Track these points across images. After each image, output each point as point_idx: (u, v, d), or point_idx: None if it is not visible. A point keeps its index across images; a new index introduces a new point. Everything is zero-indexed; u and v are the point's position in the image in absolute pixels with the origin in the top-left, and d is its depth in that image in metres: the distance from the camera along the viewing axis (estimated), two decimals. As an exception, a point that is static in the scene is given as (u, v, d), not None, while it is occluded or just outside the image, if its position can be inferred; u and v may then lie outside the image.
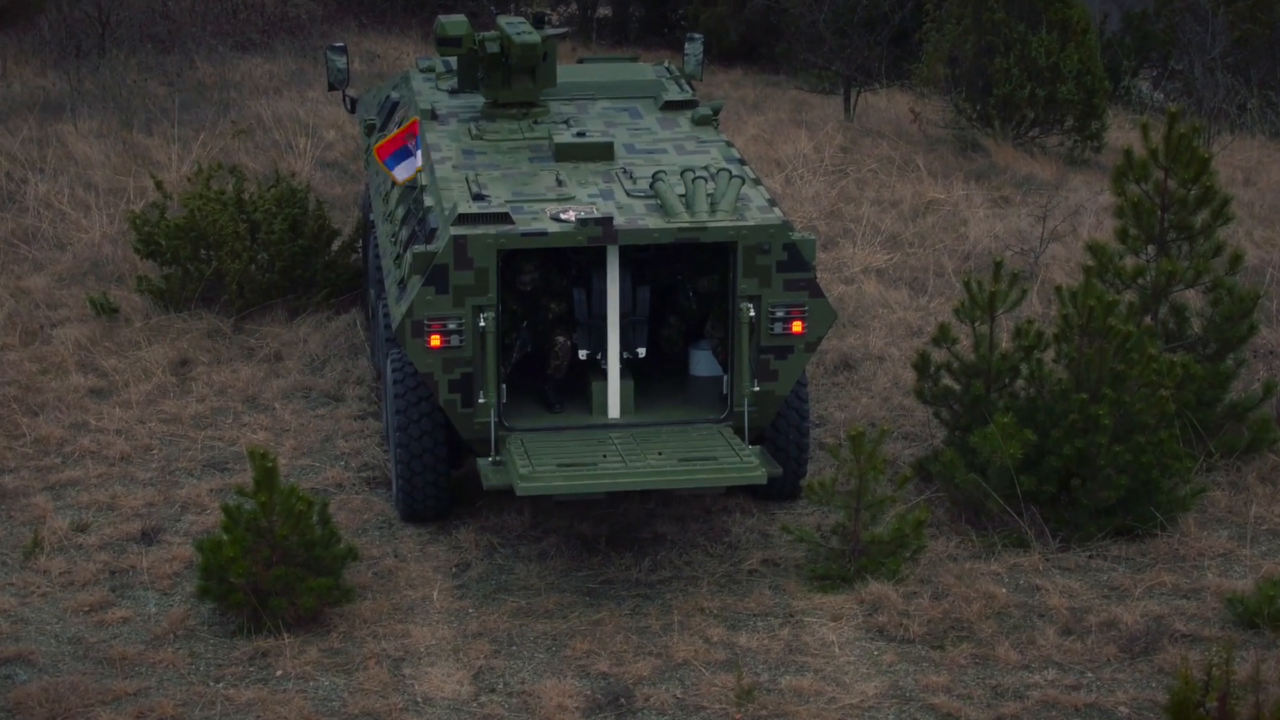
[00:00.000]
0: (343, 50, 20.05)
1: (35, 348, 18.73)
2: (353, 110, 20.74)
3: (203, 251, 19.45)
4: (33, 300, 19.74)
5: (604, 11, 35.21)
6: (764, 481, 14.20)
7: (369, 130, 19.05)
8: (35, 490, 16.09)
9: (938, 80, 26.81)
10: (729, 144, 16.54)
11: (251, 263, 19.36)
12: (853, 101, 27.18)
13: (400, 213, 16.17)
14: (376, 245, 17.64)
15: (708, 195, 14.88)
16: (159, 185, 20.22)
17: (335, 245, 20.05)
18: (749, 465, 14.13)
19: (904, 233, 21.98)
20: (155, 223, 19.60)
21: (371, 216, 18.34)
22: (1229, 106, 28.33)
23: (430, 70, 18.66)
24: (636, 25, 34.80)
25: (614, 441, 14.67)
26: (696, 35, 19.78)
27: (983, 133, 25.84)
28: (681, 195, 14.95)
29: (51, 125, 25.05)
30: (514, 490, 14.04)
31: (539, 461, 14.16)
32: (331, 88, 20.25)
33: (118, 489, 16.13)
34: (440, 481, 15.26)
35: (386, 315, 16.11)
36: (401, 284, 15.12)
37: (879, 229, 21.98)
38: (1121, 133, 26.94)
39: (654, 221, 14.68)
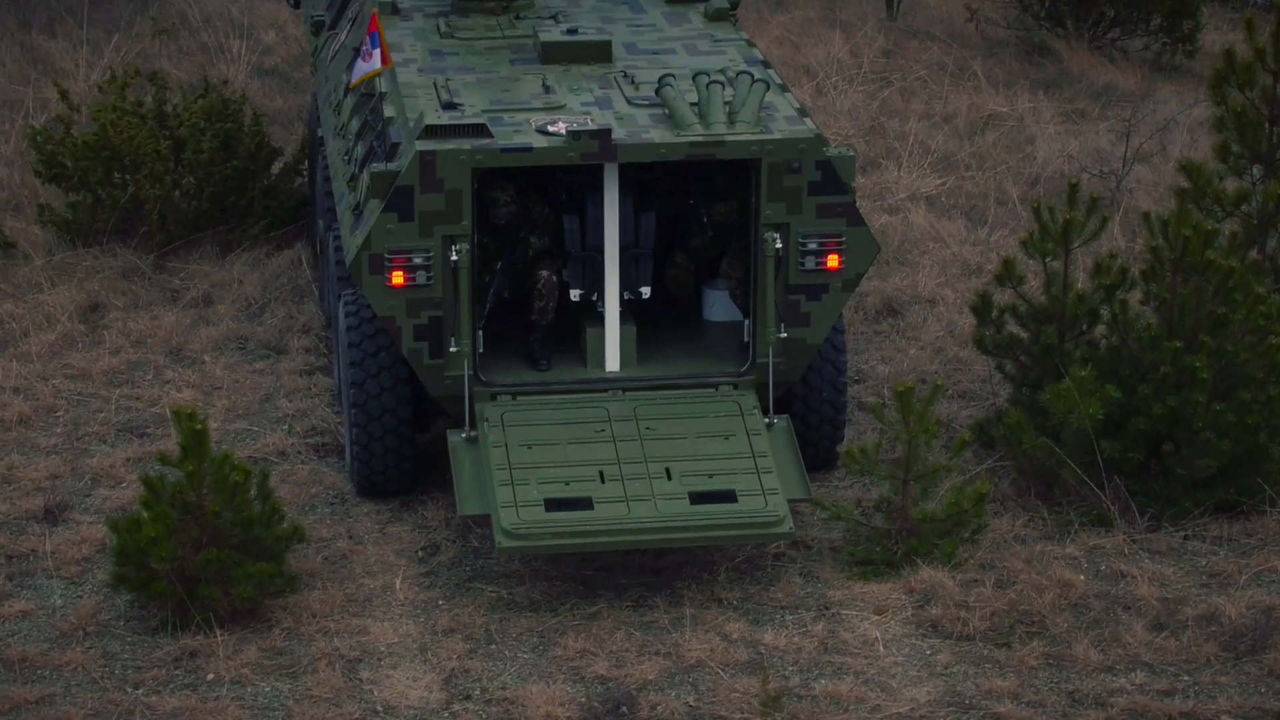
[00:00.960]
0: None
1: (-90, 291, 18.89)
2: (296, 5, 21.08)
3: (117, 175, 19.58)
4: None
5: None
6: (791, 535, 14.35)
7: (316, 29, 19.20)
8: None
9: None
10: (749, 43, 16.63)
11: (176, 188, 19.48)
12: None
13: (355, 125, 16.26)
14: (326, 166, 17.75)
15: (725, 103, 14.95)
16: (64, 96, 20.31)
17: (276, 168, 20.21)
18: (772, 517, 14.25)
19: (959, 153, 22.17)
20: (60, 140, 19.73)
21: (321, 132, 18.48)
22: None
23: None
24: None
25: (613, 435, 14.78)
26: None
27: (1053, 34, 26.10)
28: (693, 104, 15.02)
29: None
30: (494, 542, 14.23)
31: (524, 494, 14.26)
32: None
33: (15, 458, 16.27)
34: (403, 449, 15.37)
35: (339, 249, 16.20)
36: (357, 210, 15.24)
37: (929, 148, 22.15)
38: (1219, 34, 27.05)
39: (660, 135, 14.77)
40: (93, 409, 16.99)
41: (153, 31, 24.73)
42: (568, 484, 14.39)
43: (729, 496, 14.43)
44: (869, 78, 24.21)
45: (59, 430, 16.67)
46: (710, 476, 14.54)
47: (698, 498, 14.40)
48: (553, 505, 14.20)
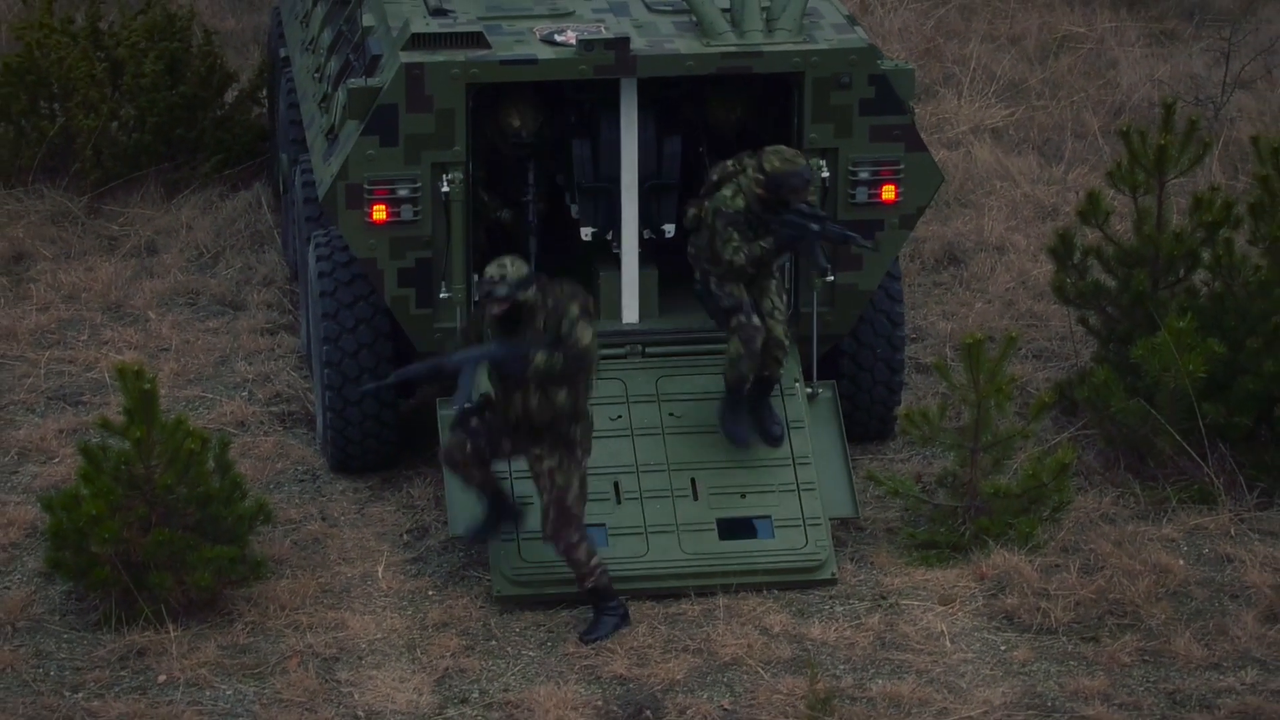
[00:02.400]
0: None
1: None
2: None
3: (44, 104, 20.10)
4: None
5: None
6: (834, 581, 14.76)
7: None
8: None
9: None
10: None
11: (113, 119, 19.97)
12: None
13: (327, 38, 16.71)
14: (291, 91, 18.19)
15: (762, 9, 15.34)
16: None
17: (230, 96, 20.71)
18: (813, 561, 14.75)
19: (1029, 79, 22.76)
20: None
21: (284, 52, 18.95)
22: None
23: None
24: None
25: (631, 426, 15.18)
26: None
27: None
28: (724, 9, 15.39)
29: None
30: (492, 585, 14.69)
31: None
32: None
33: None
34: (384, 415, 15.74)
35: (308, 184, 16.62)
36: (331, 135, 15.64)
37: (994, 75, 22.75)
38: None
39: (687, 45, 15.17)
40: (18, 374, 17.37)
41: None
42: None
43: (764, 528, 14.96)
44: None
45: None
46: (742, 496, 15.04)
47: (727, 529, 14.90)
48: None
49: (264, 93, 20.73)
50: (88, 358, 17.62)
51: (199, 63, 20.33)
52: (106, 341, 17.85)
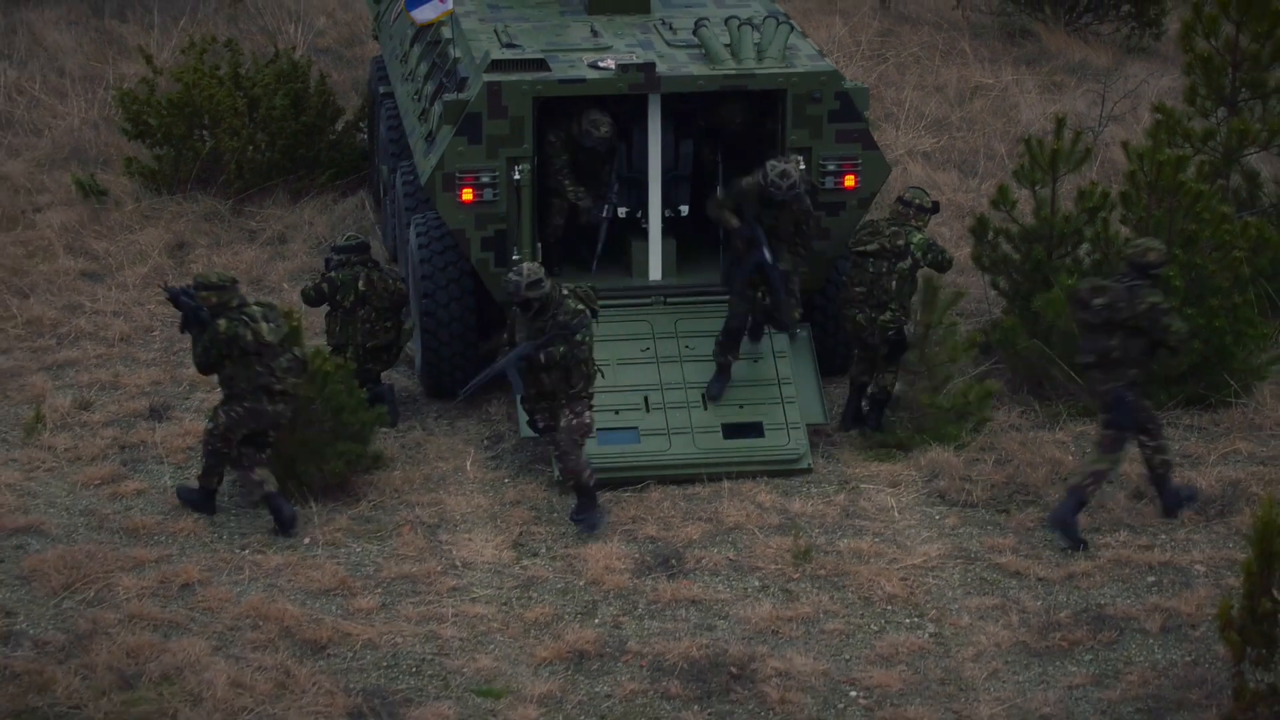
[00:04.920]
0: None
1: (18, 232, 19.74)
2: None
3: (198, 131, 20.42)
4: (11, 185, 20.74)
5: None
6: (809, 470, 15.18)
7: None
8: (31, 370, 17.16)
9: None
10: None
11: (250, 143, 20.31)
12: None
13: (423, 69, 17.16)
14: (389, 119, 18.65)
15: (754, 43, 15.85)
16: (149, 60, 21.15)
17: (339, 124, 21.05)
18: (793, 454, 15.18)
19: (950, 117, 22.98)
20: (145, 101, 20.56)
21: (382, 89, 19.38)
22: None
23: None
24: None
25: (656, 355, 15.61)
26: None
27: (1032, 18, 26.84)
28: (725, 44, 15.91)
29: (16, 12, 25.92)
30: (552, 471, 15.05)
31: None
32: None
33: (120, 368, 17.16)
34: (468, 353, 16.18)
35: (407, 182, 17.11)
36: (429, 138, 16.07)
37: (923, 113, 22.96)
38: (1182, 19, 27.62)
39: (698, 68, 15.66)
40: None
41: (228, 2, 25.65)
42: (617, 412, 15.32)
43: (757, 430, 15.35)
44: (867, 55, 24.97)
45: (156, 347, 17.63)
46: (741, 407, 15.45)
47: (730, 431, 15.32)
48: (605, 437, 15.09)
49: (364, 123, 20.99)
50: None
51: (316, 99, 20.67)
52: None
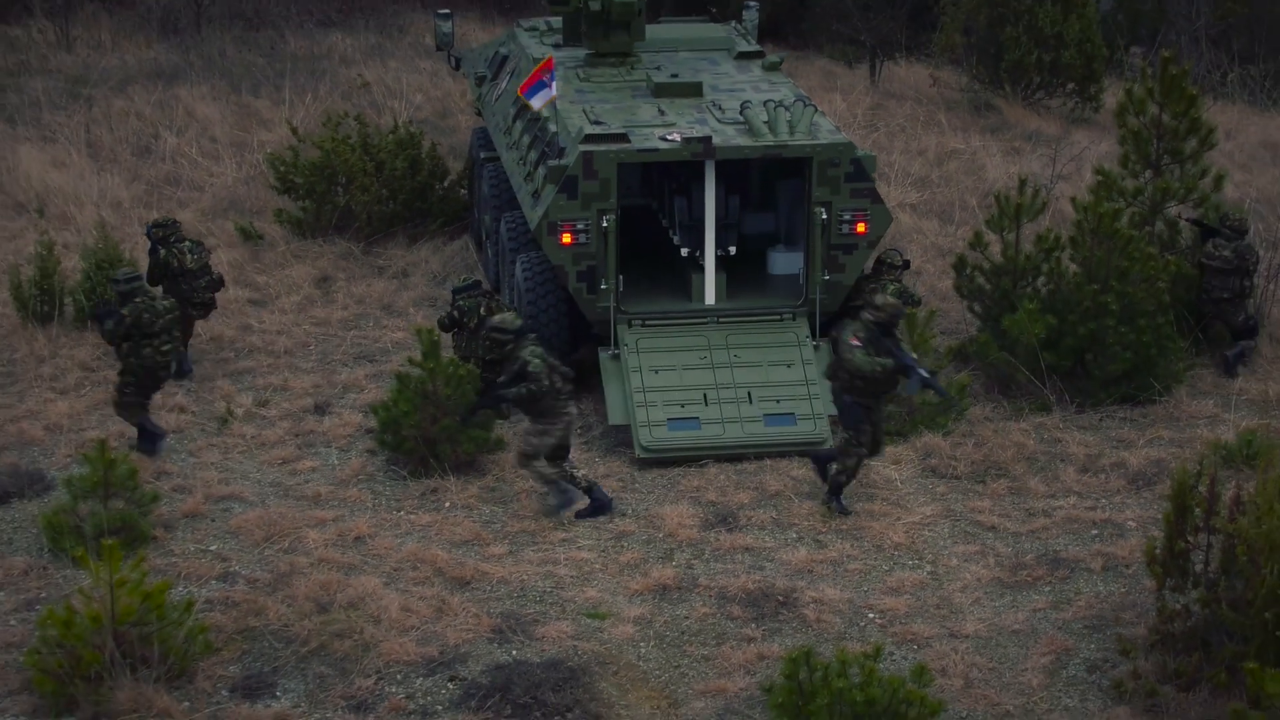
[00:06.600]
0: (448, 15, 22.62)
1: (195, 268, 21.28)
2: (457, 67, 23.06)
3: (335, 188, 21.78)
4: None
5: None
6: (832, 450, 15.89)
7: (479, 81, 21.46)
8: (217, 377, 18.69)
9: (955, 48, 29.07)
10: (794, 85, 19.04)
11: (377, 197, 21.63)
12: (878, 70, 29.28)
13: (526, 140, 18.49)
14: (487, 179, 19.88)
15: (786, 121, 17.32)
16: (294, 131, 22.66)
17: (446, 182, 22.35)
18: (820, 437, 16.22)
19: (931, 175, 24.17)
20: (291, 163, 22.00)
21: (482, 155, 20.63)
22: (1212, 76, 30.68)
23: (534, 29, 21.20)
24: (670, 1, 36.75)
25: (711, 363, 16.55)
26: (753, 3, 22.31)
27: (995, 94, 28.03)
28: (765, 120, 17.36)
29: (170, 90, 27.30)
30: (634, 450, 16.18)
31: (654, 415, 16.27)
32: (438, 48, 22.79)
33: (287, 374, 18.60)
34: (563, 361, 16.75)
35: (512, 229, 18.40)
36: (535, 195, 17.41)
37: (909, 172, 24.16)
38: (1117, 98, 28.48)
39: (745, 140, 17.03)
40: (335, 344, 19.28)
41: (358, 84, 26.97)
42: (683, 406, 16.52)
43: (791, 419, 16.46)
44: (862, 124, 26.26)
45: (313, 358, 19.02)
46: (778, 402, 16.59)
47: (770, 419, 16.43)
48: (674, 424, 16.35)
49: (466, 182, 22.15)
50: (375, 335, 19.42)
51: (428, 162, 21.91)
52: (385, 326, 19.65)
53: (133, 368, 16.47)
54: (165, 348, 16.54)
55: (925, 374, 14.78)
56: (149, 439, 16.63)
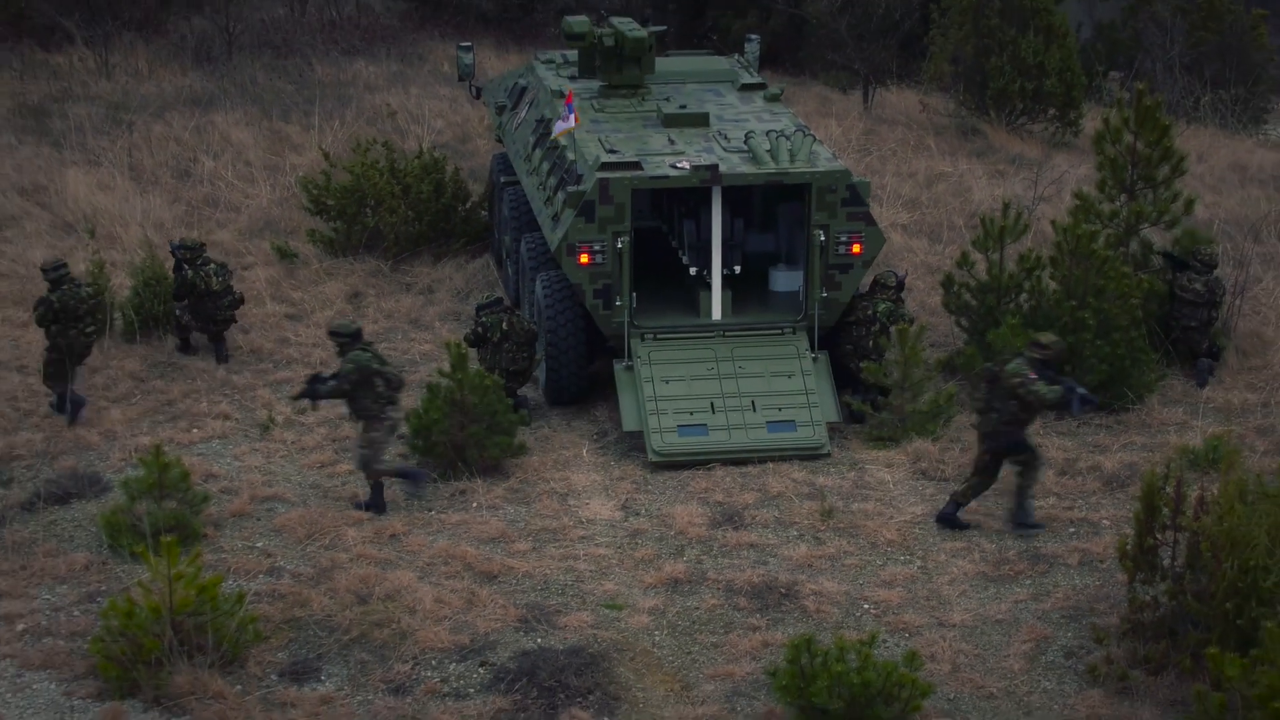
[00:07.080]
0: (470, 48, 23.17)
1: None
2: (478, 97, 23.50)
3: (364, 209, 22.22)
4: (223, 249, 22.71)
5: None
6: (829, 455, 16.61)
7: (500, 110, 21.92)
8: (258, 386, 19.22)
9: (943, 76, 29.46)
10: (794, 115, 19.52)
11: (404, 218, 22.04)
12: (871, 96, 29.72)
13: (545, 167, 18.96)
14: (507, 202, 20.30)
15: (788, 150, 17.81)
16: (326, 157, 23.14)
17: (468, 204, 22.79)
18: (818, 443, 16.66)
19: (920, 197, 24.54)
20: (323, 186, 22.48)
21: (502, 179, 21.07)
22: (1185, 102, 31.08)
23: (551, 61, 21.68)
24: (673, 33, 37.19)
25: (718, 374, 16.87)
26: (754, 36, 22.89)
27: (981, 119, 28.40)
28: (767, 149, 17.85)
29: (205, 116, 27.75)
30: (647, 455, 16.60)
31: (665, 422, 16.64)
32: (460, 78, 23.32)
33: None
34: (580, 372, 18.00)
35: (531, 249, 18.87)
36: (555, 218, 17.87)
37: (900, 194, 24.53)
38: (1095, 123, 28.58)
39: (749, 168, 17.50)
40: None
41: (386, 112, 27.42)
42: (692, 414, 16.93)
43: (791, 426, 16.84)
44: (856, 149, 26.66)
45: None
46: (779, 410, 16.96)
47: (772, 426, 16.80)
48: (683, 431, 16.75)
49: (486, 204, 22.60)
50: (404, 347, 19.84)
51: (452, 185, 22.29)
52: (413, 339, 20.08)
53: (59, 346, 17.83)
54: (89, 330, 17.88)
55: (1084, 393, 15.19)
56: (73, 406, 17.88)
